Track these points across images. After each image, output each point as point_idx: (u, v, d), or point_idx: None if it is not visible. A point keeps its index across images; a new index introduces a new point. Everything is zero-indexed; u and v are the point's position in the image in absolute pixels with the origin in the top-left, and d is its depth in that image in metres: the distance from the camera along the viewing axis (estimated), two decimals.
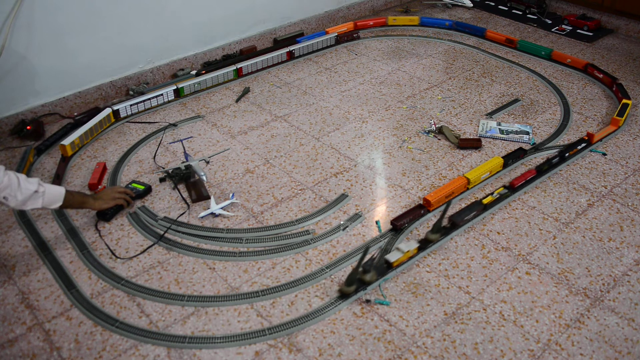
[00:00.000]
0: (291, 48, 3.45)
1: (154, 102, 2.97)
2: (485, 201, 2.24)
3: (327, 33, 3.63)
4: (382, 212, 2.29)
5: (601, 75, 3.20)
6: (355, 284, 1.87)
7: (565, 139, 2.73)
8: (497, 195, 2.29)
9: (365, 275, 1.88)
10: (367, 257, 1.90)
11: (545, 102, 3.05)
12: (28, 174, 2.46)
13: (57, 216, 2.23)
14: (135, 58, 3.13)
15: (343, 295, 1.88)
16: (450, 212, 2.23)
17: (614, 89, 3.08)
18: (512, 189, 2.34)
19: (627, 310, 1.86)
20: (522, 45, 3.55)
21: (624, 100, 2.87)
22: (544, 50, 3.47)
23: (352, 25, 3.78)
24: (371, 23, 3.88)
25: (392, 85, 3.22)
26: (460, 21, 3.86)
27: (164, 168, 2.52)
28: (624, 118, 2.76)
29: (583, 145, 2.60)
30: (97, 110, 2.86)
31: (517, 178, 2.37)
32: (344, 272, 2.00)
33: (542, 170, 2.43)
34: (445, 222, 2.12)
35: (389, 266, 1.96)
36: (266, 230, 2.17)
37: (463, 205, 2.29)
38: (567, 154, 2.53)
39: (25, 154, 2.60)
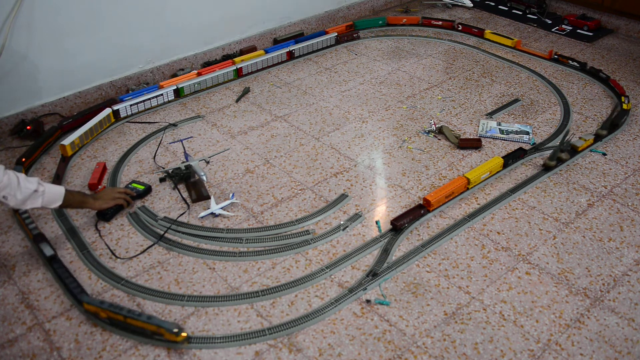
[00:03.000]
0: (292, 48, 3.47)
1: (154, 102, 2.97)
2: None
3: (327, 33, 3.65)
4: (382, 212, 2.29)
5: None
6: (555, 160, 2.47)
7: (565, 139, 2.73)
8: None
9: (562, 153, 2.49)
10: (567, 137, 2.56)
11: (545, 102, 3.05)
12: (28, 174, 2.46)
13: (57, 216, 2.23)
14: (135, 58, 3.13)
15: (547, 168, 2.46)
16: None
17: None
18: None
19: (627, 310, 1.86)
20: (359, 24, 3.80)
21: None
22: (380, 20, 3.84)
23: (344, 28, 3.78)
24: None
25: (392, 85, 3.22)
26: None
27: (164, 168, 2.52)
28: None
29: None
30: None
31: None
32: (343, 272, 2.00)
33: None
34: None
35: (574, 151, 2.56)
36: (266, 230, 2.17)
37: (463, 205, 2.30)
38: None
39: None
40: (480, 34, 3.76)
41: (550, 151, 2.52)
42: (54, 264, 1.98)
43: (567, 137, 2.60)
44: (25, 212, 2.17)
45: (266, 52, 3.37)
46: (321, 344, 1.74)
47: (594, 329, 1.79)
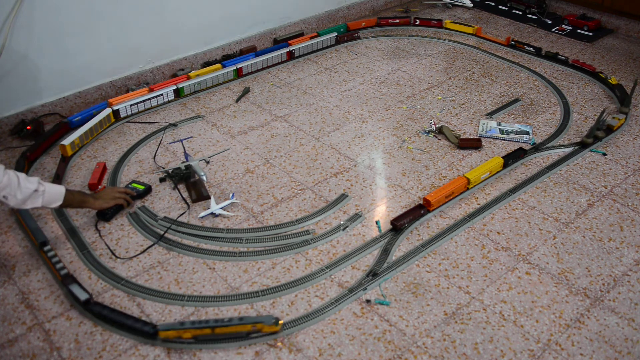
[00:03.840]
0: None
1: (154, 102, 2.97)
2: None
3: (289, 44, 3.48)
4: (382, 212, 2.29)
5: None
6: (592, 137, 2.62)
7: (565, 138, 2.74)
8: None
9: (599, 132, 2.64)
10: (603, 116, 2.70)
11: (545, 102, 3.05)
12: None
13: (57, 216, 2.23)
14: (135, 58, 3.13)
15: (584, 145, 2.62)
16: None
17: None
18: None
19: (627, 310, 1.86)
20: (322, 33, 3.64)
21: None
22: (342, 27, 3.72)
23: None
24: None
25: (392, 85, 3.22)
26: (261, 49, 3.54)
27: (164, 168, 2.52)
28: None
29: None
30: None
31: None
32: (343, 272, 2.00)
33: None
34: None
35: (609, 130, 2.70)
36: (266, 230, 2.17)
37: (463, 205, 2.30)
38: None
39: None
40: (439, 24, 3.85)
41: (588, 129, 2.74)
42: (92, 308, 1.81)
43: (604, 116, 2.71)
44: (51, 249, 2.01)
45: (223, 65, 3.20)
46: (321, 344, 1.74)
47: (594, 329, 1.79)
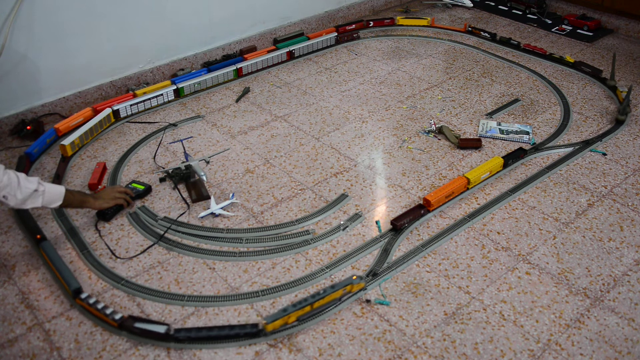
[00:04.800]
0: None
1: (154, 102, 2.97)
2: None
3: (245, 59, 3.30)
4: (382, 212, 2.29)
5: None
6: (625, 115, 2.82)
7: (565, 138, 2.74)
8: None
9: (625, 115, 2.84)
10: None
11: (545, 102, 3.05)
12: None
13: (57, 216, 2.23)
14: (135, 58, 3.13)
15: (618, 122, 2.81)
16: None
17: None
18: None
19: (627, 310, 1.86)
20: (281, 46, 3.47)
21: None
22: (303, 40, 3.56)
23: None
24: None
25: (392, 85, 3.22)
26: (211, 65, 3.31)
27: (164, 168, 2.52)
28: None
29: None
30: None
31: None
32: (344, 272, 2.00)
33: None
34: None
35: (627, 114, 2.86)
36: (266, 230, 2.17)
37: (463, 205, 2.30)
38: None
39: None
40: (392, 22, 3.90)
41: (620, 106, 2.90)
42: (178, 336, 1.71)
43: (631, 93, 2.95)
44: (89, 296, 1.84)
45: (173, 82, 3.04)
46: (321, 344, 1.74)
47: (594, 329, 1.79)
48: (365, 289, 1.89)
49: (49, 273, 1.99)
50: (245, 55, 3.34)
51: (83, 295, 1.83)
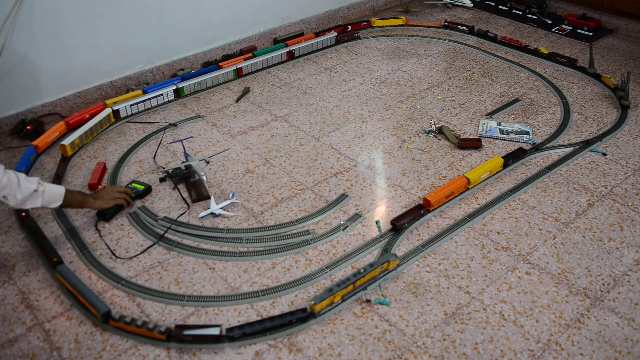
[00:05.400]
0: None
1: (154, 102, 2.97)
2: None
3: (219, 67, 3.20)
4: (382, 212, 2.29)
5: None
6: (628, 101, 2.97)
7: (565, 138, 2.74)
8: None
9: (626, 100, 2.96)
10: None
11: (545, 102, 3.05)
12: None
13: (57, 216, 2.23)
14: (135, 58, 3.13)
15: (624, 107, 2.91)
16: None
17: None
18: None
19: (627, 310, 1.86)
20: (258, 53, 3.36)
21: None
22: (280, 47, 3.45)
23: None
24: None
25: (392, 85, 3.22)
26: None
27: (164, 168, 2.52)
28: None
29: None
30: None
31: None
32: (344, 272, 2.00)
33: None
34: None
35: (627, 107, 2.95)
36: (266, 230, 2.17)
37: (463, 205, 2.30)
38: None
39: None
40: (368, 25, 3.89)
41: (622, 92, 3.02)
42: (234, 335, 1.71)
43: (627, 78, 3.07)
44: (122, 317, 1.76)
45: (144, 91, 2.97)
46: (321, 344, 1.74)
47: (594, 329, 1.79)
48: (399, 265, 1.99)
49: (70, 299, 1.88)
50: (221, 64, 3.24)
51: (117, 316, 1.75)
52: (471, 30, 3.78)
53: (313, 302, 1.77)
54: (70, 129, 2.76)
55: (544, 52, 3.45)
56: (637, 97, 3.09)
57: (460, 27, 3.80)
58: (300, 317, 1.78)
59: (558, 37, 3.81)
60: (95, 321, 1.79)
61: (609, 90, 3.13)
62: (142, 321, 1.74)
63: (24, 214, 2.18)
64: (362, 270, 1.87)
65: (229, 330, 1.73)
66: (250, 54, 3.36)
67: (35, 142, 2.60)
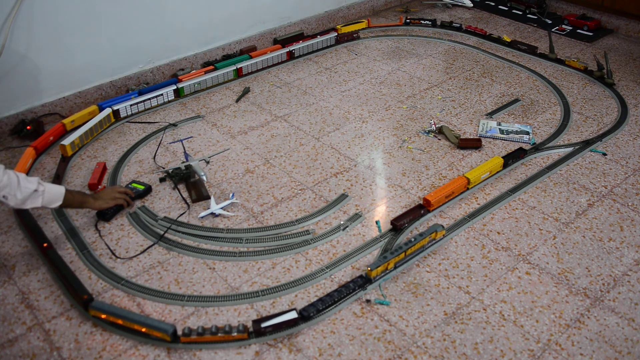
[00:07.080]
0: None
1: (154, 102, 2.97)
2: None
3: (179, 81, 3.06)
4: (382, 212, 2.29)
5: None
6: (611, 78, 3.17)
7: (565, 138, 2.74)
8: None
9: (610, 78, 3.16)
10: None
11: (545, 102, 3.05)
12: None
13: (57, 216, 2.23)
14: (135, 58, 3.13)
15: (609, 85, 3.10)
16: None
17: None
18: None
19: (627, 310, 1.86)
20: (220, 65, 3.22)
21: None
22: (244, 58, 3.31)
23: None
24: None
25: (392, 85, 3.22)
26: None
27: (164, 168, 2.52)
28: None
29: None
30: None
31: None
32: (344, 272, 2.00)
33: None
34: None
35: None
36: (266, 230, 2.17)
37: (463, 205, 2.30)
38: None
39: None
40: (336, 31, 3.69)
41: (604, 71, 3.19)
42: (303, 313, 1.75)
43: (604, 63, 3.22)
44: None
45: (100, 107, 2.84)
46: (321, 344, 1.74)
47: (594, 329, 1.79)
48: (445, 236, 2.11)
49: (125, 332, 1.76)
50: (180, 77, 3.10)
51: (187, 331, 1.69)
52: (434, 23, 3.88)
53: (369, 268, 1.88)
54: (39, 154, 2.60)
55: (507, 40, 3.61)
56: (637, 96, 3.09)
57: (422, 21, 3.88)
58: (360, 284, 1.89)
59: (558, 37, 3.81)
60: (164, 344, 1.72)
61: (581, 74, 3.32)
62: (215, 327, 1.69)
63: (45, 244, 2.05)
64: (412, 239, 1.98)
65: (303, 309, 1.79)
66: (212, 67, 3.22)
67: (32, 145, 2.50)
